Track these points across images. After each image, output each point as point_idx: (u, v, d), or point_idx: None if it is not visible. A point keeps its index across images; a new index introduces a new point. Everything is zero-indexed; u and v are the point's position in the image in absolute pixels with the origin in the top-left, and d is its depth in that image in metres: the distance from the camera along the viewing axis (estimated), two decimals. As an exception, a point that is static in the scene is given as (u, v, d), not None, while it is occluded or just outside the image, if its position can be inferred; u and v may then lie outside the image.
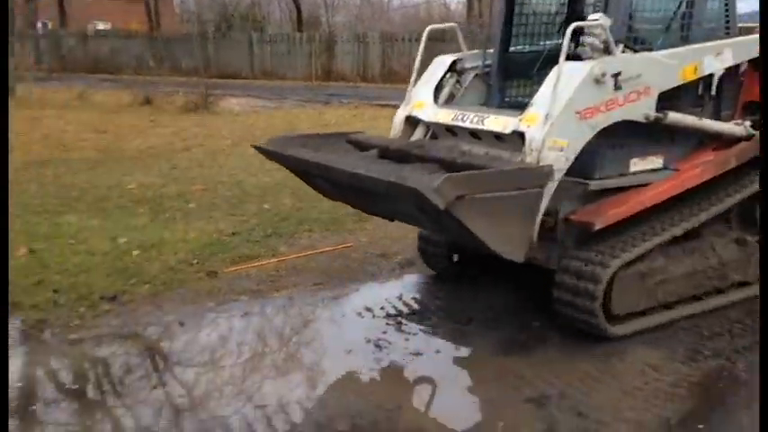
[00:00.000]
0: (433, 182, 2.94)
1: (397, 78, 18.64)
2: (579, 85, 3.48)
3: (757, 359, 3.33)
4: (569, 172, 3.55)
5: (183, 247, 5.38)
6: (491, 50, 4.46)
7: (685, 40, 4.06)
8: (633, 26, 3.96)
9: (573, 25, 3.55)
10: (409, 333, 4.01)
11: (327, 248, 5.45)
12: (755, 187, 4.17)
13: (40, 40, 25.73)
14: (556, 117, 3.43)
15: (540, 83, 3.64)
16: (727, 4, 4.29)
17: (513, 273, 4.19)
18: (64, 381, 3.49)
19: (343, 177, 3.56)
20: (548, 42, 4.39)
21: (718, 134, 4.24)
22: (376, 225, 5.74)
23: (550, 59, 3.75)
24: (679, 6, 4.10)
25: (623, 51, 3.74)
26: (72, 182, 7.55)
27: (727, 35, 4.28)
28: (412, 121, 4.27)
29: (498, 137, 3.72)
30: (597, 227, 3.72)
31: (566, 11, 4.51)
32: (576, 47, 3.68)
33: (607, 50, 3.62)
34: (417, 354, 3.76)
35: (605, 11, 3.78)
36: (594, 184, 3.84)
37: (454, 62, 4.37)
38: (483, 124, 3.80)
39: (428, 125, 4.21)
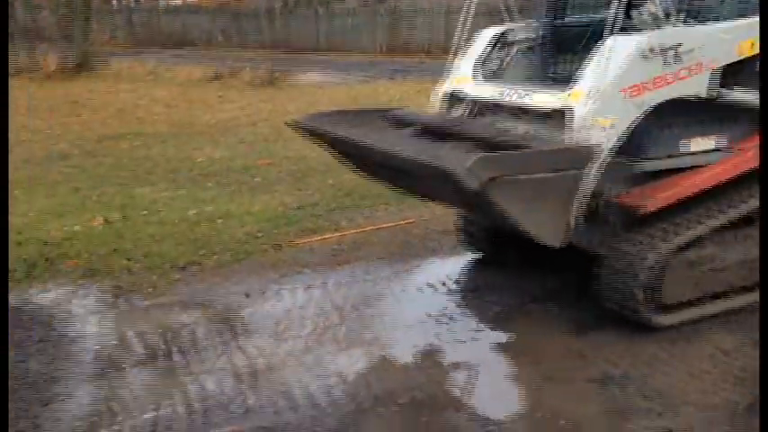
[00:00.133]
0: (465, 162, 2.81)
1: (464, 53, 18.33)
2: (626, 60, 3.29)
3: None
4: (615, 152, 3.39)
5: (249, 220, 5.52)
6: (540, 22, 4.27)
7: (743, 14, 3.77)
8: None
9: None
10: (469, 309, 4.02)
11: (389, 224, 5.48)
12: None
13: (116, 15, 26.48)
14: (600, 94, 3.27)
15: (591, 57, 3.45)
16: None
17: (559, 255, 4.05)
18: (137, 346, 3.65)
19: (377, 156, 3.46)
20: (603, 13, 4.13)
21: None
22: (438, 201, 5.72)
23: (603, 32, 3.53)
24: None
25: (675, 25, 3.54)
26: (145, 155, 7.82)
27: None
28: (453, 97, 4.12)
29: (541, 114, 3.56)
30: (646, 210, 3.51)
31: None
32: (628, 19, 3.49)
33: (658, 23, 3.43)
34: (477, 330, 3.77)
35: None
36: (641, 166, 3.64)
37: (500, 34, 4.20)
38: (525, 101, 3.64)
39: (470, 101, 4.05)
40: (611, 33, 3.30)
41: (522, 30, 4.32)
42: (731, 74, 3.71)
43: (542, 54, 4.25)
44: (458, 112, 4.10)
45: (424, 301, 4.16)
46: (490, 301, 4.11)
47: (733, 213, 3.73)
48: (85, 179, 6.69)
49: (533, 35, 4.28)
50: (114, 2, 28.22)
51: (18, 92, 12.35)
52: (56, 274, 4.45)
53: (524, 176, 2.98)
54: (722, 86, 3.64)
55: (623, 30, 3.40)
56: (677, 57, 3.41)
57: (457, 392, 3.19)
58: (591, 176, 3.27)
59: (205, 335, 3.77)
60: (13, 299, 4.06)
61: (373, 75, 16.83)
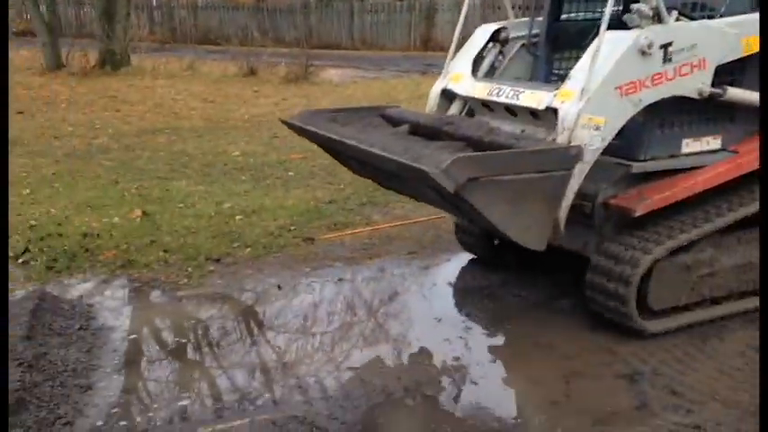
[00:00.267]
0: (441, 163, 2.70)
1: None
2: (621, 56, 3.15)
3: None
4: (611, 152, 3.30)
5: (282, 214, 5.59)
6: (540, 18, 4.18)
7: (754, 8, 3.60)
8: None
9: None
10: (499, 304, 4.03)
11: (420, 219, 5.51)
12: None
13: (154, 11, 26.86)
14: (593, 92, 3.13)
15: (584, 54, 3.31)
16: None
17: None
18: (172, 337, 3.74)
19: (361, 156, 3.37)
20: (604, 9, 4.13)
21: None
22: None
23: (612, 28, 3.36)
24: None
25: (677, 19, 3.37)
26: (181, 149, 7.96)
27: None
28: (448, 95, 4.02)
29: (534, 113, 3.44)
30: (638, 213, 3.38)
31: None
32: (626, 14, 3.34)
33: (658, 18, 3.25)
34: (506, 324, 3.78)
35: None
36: (638, 167, 3.50)
37: (497, 31, 4.07)
38: (518, 99, 3.51)
39: (465, 100, 3.96)
40: (605, 28, 3.18)
41: (520, 26, 4.23)
42: (739, 71, 3.59)
43: (545, 51, 4.16)
44: (453, 110, 4.01)
45: (453, 295, 4.20)
46: (519, 296, 4.12)
47: (731, 216, 3.60)
48: (124, 172, 6.84)
49: (528, 32, 4.18)
50: (153, -2, 28.63)
51: (59, 87, 12.67)
52: (95, 265, 4.58)
53: (507, 177, 2.86)
54: (729, 83, 3.51)
55: (622, 25, 3.28)
56: (678, 52, 3.27)
57: (485, 386, 3.21)
58: (580, 177, 3.15)
59: (237, 326, 3.85)
60: (54, 288, 4.20)
61: (406, 69, 16.83)
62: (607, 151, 3.31)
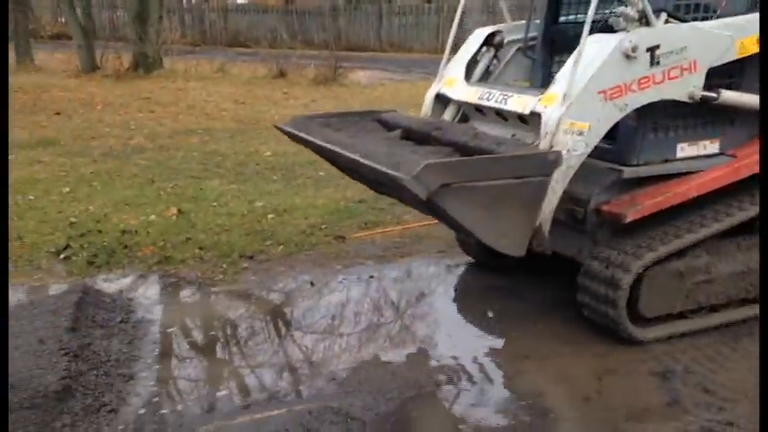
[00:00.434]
0: (413, 169, 2.67)
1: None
2: (604, 60, 3.08)
3: None
4: (605, 157, 3.26)
5: (313, 212, 5.68)
6: (537, 21, 4.12)
7: (752, 9, 3.49)
8: None
9: None
10: (530, 302, 4.06)
11: (451, 217, 5.55)
12: None
13: (185, 14, 27.26)
14: (575, 97, 3.06)
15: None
16: None
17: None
18: (208, 330, 3.84)
19: (344, 162, 3.34)
20: (605, 12, 3.76)
21: None
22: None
23: (602, 31, 3.31)
24: None
25: (667, 22, 3.27)
26: (214, 149, 8.10)
27: None
28: (442, 100, 3.98)
29: (522, 118, 3.39)
30: (628, 219, 3.31)
31: None
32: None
33: (645, 21, 3.17)
34: (537, 322, 3.81)
35: None
36: (630, 172, 3.42)
37: (491, 35, 4.04)
38: (506, 104, 3.45)
39: (458, 104, 3.93)
40: (588, 32, 3.12)
41: (516, 30, 4.20)
42: (737, 73, 3.51)
43: (542, 55, 4.12)
44: (447, 115, 3.98)
45: (481, 294, 4.23)
46: (549, 295, 4.14)
47: (726, 222, 3.51)
48: (160, 172, 6.99)
49: (524, 35, 4.16)
50: (184, 1, 29.05)
51: (95, 89, 12.94)
52: (133, 261, 4.71)
53: (482, 183, 2.81)
54: (726, 87, 3.44)
55: (609, 29, 3.22)
56: (667, 55, 3.19)
57: (517, 381, 3.26)
58: (564, 182, 3.11)
59: (271, 320, 3.94)
60: (95, 282, 4.32)
61: (433, 72, 16.80)
62: (600, 156, 3.27)
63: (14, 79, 13.86)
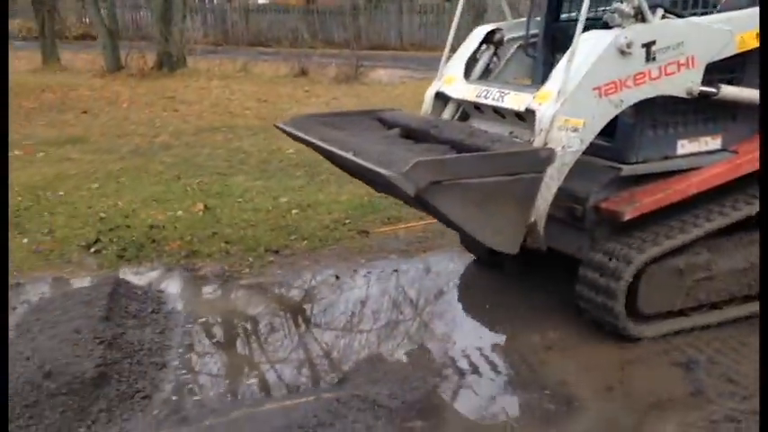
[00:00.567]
0: (402, 167, 2.67)
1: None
2: (599, 57, 3.06)
3: None
4: (604, 154, 3.24)
5: (336, 208, 5.75)
6: (537, 19, 4.11)
7: (752, 3, 3.41)
8: None
9: None
10: (552, 293, 4.09)
11: (473, 212, 5.58)
12: None
13: (208, 14, 27.50)
14: (569, 94, 3.05)
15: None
16: None
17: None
18: (236, 321, 3.93)
19: (340, 161, 3.35)
20: (606, 8, 3.63)
21: None
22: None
23: (601, 29, 3.27)
24: None
25: (664, 17, 3.22)
26: (238, 146, 8.20)
27: None
28: (442, 98, 3.96)
29: (519, 115, 3.37)
30: (627, 217, 3.28)
31: None
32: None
33: (641, 17, 3.14)
34: (559, 314, 3.84)
35: None
36: (628, 169, 3.39)
37: (491, 32, 4.02)
38: (503, 101, 3.43)
39: (458, 102, 3.91)
40: (581, 29, 3.10)
41: (517, 27, 4.19)
42: (738, 68, 3.46)
43: (543, 52, 4.12)
44: (447, 113, 3.97)
45: (502, 286, 4.27)
46: (571, 289, 4.16)
47: (725, 219, 3.47)
48: (186, 168, 7.11)
49: (525, 33, 4.15)
50: (207, 1, 29.30)
51: (120, 87, 13.14)
52: (161, 254, 4.81)
53: (474, 181, 2.80)
54: (727, 82, 3.40)
55: (606, 27, 3.19)
56: (663, 51, 3.16)
57: (540, 370, 3.30)
58: (559, 179, 3.11)
59: (298, 312, 4.02)
60: (126, 275, 4.43)
61: (455, 69, 16.82)
62: (599, 153, 3.25)
63: (42, 79, 14.14)
